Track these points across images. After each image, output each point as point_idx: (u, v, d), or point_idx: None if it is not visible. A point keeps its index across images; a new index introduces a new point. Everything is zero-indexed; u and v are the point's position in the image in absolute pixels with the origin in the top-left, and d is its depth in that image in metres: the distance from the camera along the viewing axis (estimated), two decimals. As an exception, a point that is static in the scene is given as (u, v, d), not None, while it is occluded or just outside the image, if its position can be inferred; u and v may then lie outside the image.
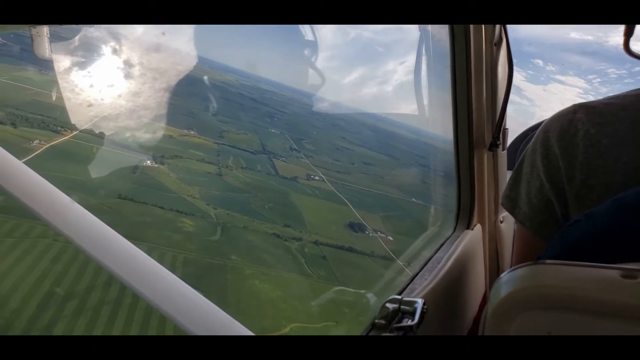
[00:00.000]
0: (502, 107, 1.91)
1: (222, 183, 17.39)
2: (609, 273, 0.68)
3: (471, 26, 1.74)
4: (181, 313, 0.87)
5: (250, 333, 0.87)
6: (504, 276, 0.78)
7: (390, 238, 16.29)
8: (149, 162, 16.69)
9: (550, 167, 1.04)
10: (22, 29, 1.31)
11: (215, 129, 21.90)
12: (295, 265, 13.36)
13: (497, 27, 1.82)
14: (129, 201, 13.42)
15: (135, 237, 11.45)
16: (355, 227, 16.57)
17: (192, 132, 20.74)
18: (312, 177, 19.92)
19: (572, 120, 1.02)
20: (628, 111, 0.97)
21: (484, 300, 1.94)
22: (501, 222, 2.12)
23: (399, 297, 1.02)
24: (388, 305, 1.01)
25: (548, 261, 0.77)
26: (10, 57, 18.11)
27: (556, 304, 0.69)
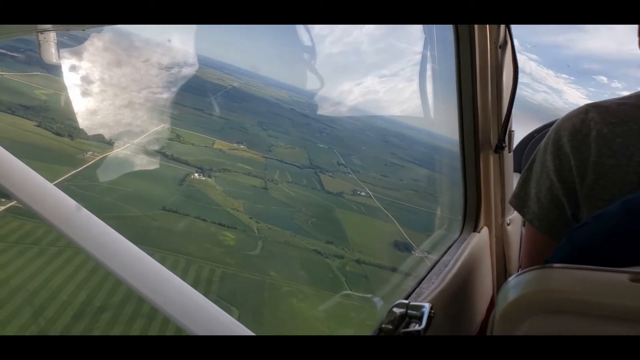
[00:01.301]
0: (507, 110, 1.88)
1: (267, 197, 17.30)
2: (618, 277, 0.68)
3: (475, 28, 1.73)
4: (185, 315, 0.87)
5: (252, 333, 0.86)
6: (512, 280, 0.78)
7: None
8: (196, 174, 16.94)
9: (562, 167, 1.04)
10: (25, 31, 1.30)
11: (265, 143, 22.04)
12: (336, 284, 12.84)
13: (502, 29, 1.81)
14: (173, 213, 13.55)
15: (175, 249, 11.48)
16: (401, 246, 15.82)
17: (242, 146, 20.98)
18: (358, 192, 19.39)
19: (585, 120, 1.02)
20: None
21: (492, 303, 1.94)
22: (508, 224, 2.10)
23: (406, 301, 0.99)
24: (395, 309, 0.99)
25: (556, 265, 0.79)
26: None
27: (565, 308, 0.69)
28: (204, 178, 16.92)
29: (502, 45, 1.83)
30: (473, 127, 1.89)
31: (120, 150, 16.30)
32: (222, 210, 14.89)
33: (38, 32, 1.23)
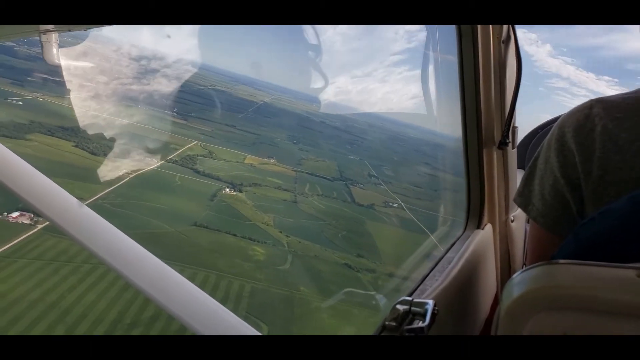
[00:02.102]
0: (511, 105, 1.86)
1: (297, 210, 17.23)
2: (625, 273, 0.68)
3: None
4: (190, 314, 0.87)
5: (258, 333, 0.89)
6: (517, 276, 0.77)
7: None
8: (227, 190, 17.10)
9: (566, 163, 1.03)
10: (28, 32, 1.32)
11: (295, 157, 22.07)
12: (367, 299, 12.52)
13: (505, 24, 1.79)
14: (204, 229, 13.67)
15: (205, 265, 11.54)
16: (435, 259, 15.33)
17: (272, 160, 21.11)
18: (390, 204, 19.00)
19: (589, 115, 1.01)
20: None
21: (496, 301, 1.92)
22: (512, 221, 2.07)
23: (410, 298, 0.98)
24: (399, 306, 0.97)
25: (562, 261, 0.77)
26: (126, 98, 20.00)
27: (571, 304, 0.68)
28: (234, 193, 17.05)
29: (506, 41, 1.81)
30: (476, 123, 1.87)
31: (153, 168, 16.68)
32: (252, 225, 14.91)
33: (40, 32, 1.24)
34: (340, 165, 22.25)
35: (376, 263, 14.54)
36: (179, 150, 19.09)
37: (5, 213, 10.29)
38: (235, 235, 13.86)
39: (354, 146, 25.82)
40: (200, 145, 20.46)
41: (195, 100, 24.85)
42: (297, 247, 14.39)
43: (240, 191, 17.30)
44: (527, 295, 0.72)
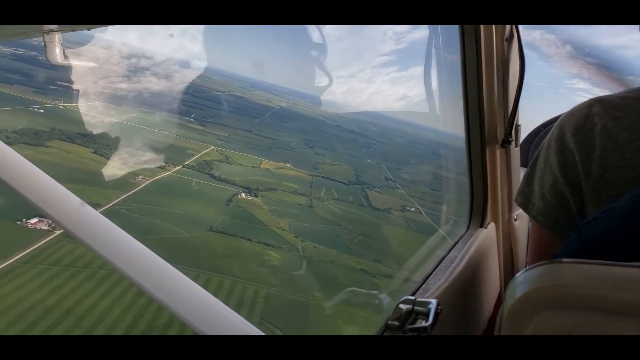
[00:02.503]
0: (514, 103, 1.87)
1: (313, 215, 17.12)
2: (630, 272, 0.67)
3: None
4: (191, 313, 0.87)
5: (261, 334, 0.88)
6: (520, 275, 0.77)
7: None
8: (243, 194, 17.12)
9: (566, 163, 1.04)
10: (31, 31, 1.31)
11: (311, 161, 22.01)
12: (384, 305, 12.33)
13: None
14: (220, 234, 13.68)
15: (220, 270, 11.52)
16: (454, 263, 15.05)
17: (288, 165, 21.10)
18: (407, 208, 18.72)
19: (589, 114, 1.01)
20: None
21: (499, 300, 1.92)
22: (515, 219, 2.07)
23: (413, 297, 0.95)
24: (402, 306, 0.95)
25: (565, 260, 0.76)
26: (144, 104, 20.39)
27: (575, 303, 0.68)
28: (250, 198, 17.06)
29: (509, 39, 1.80)
30: (479, 122, 1.87)
31: (170, 173, 16.81)
32: (268, 230, 14.87)
33: (44, 32, 1.25)
34: (357, 168, 22.10)
35: (393, 268, 14.31)
36: (195, 156, 19.23)
37: (24, 219, 10.46)
38: (250, 240, 13.83)
39: (370, 149, 25.63)
40: (217, 151, 20.60)
41: (213, 106, 25.10)
42: (313, 252, 14.27)
43: (256, 196, 17.30)
44: (530, 294, 0.71)
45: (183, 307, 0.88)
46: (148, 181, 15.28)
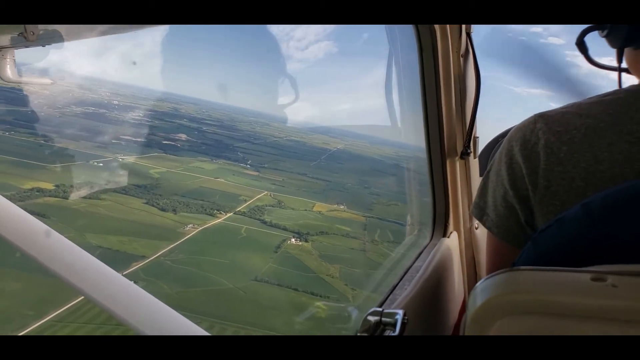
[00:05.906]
0: (471, 116, 1.96)
1: (365, 259, 16.06)
2: (580, 277, 0.72)
3: (438, 37, 1.75)
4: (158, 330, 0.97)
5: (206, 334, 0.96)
6: (480, 284, 0.79)
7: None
8: (293, 240, 16.50)
9: (514, 175, 1.11)
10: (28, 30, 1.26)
11: (365, 202, 21.16)
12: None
13: (464, 38, 1.87)
14: (264, 283, 13.02)
15: (259, 324, 10.78)
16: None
17: (342, 207, 20.33)
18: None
19: (534, 130, 1.09)
20: (582, 119, 1.03)
21: (464, 307, 1.93)
22: (476, 228, 2.18)
23: (380, 309, 1.00)
24: (370, 317, 0.99)
25: (523, 267, 0.80)
26: (190, 150, 21.04)
27: (531, 309, 0.71)
28: (300, 243, 16.39)
29: (464, 54, 1.93)
30: (439, 134, 1.95)
31: (220, 221, 16.65)
32: (316, 277, 14.01)
33: None
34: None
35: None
36: (248, 202, 19.06)
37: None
38: (296, 290, 13.02)
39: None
40: (270, 195, 20.37)
41: (269, 152, 25.26)
42: (364, 301, 13.19)
43: (306, 240, 16.60)
44: (490, 302, 0.73)
45: (147, 325, 0.96)
46: (196, 230, 15.14)
